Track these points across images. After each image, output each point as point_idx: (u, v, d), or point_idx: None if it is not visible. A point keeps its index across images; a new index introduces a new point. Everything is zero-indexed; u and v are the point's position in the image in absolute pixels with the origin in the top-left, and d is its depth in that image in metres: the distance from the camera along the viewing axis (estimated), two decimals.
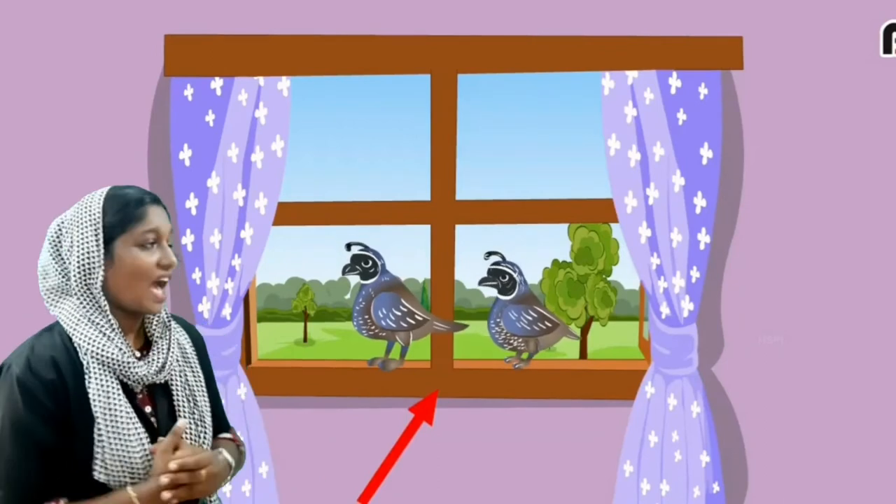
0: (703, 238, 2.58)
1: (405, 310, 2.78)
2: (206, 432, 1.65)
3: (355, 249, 2.78)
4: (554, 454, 2.72)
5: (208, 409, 1.68)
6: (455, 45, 2.59)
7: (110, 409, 1.50)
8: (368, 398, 2.75)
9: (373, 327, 2.80)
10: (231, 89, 2.57)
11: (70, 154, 2.69)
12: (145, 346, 1.63)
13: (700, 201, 2.57)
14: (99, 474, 1.49)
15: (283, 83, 2.59)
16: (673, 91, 2.54)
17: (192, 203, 2.59)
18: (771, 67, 2.60)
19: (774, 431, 2.68)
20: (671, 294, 2.58)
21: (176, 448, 1.53)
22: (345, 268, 2.80)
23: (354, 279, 2.82)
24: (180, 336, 1.70)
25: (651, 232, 2.58)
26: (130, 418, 1.51)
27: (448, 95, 2.68)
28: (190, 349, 1.70)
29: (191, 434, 1.62)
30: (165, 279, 1.57)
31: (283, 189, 2.63)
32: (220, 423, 1.80)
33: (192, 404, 1.64)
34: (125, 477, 1.50)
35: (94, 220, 1.54)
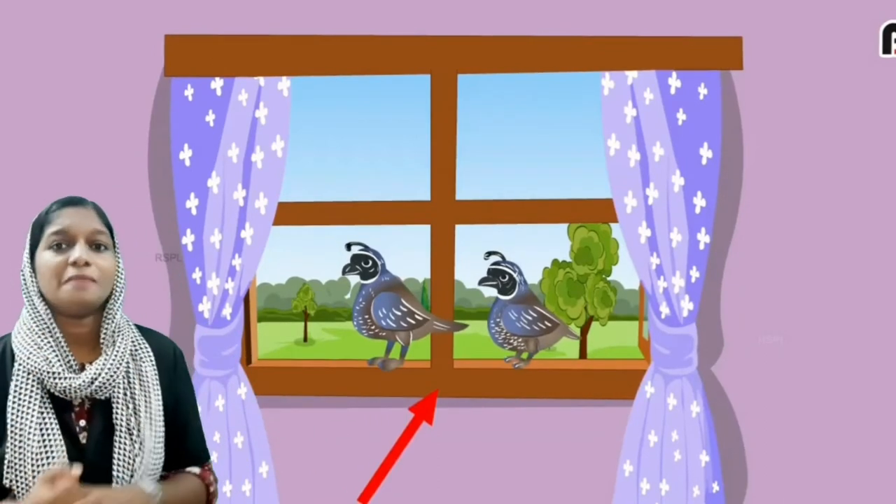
0: (703, 238, 2.58)
1: (405, 310, 2.78)
2: (142, 451, 1.57)
3: (355, 249, 2.79)
4: (554, 454, 2.72)
5: (154, 433, 1.60)
6: (455, 45, 2.60)
7: (17, 414, 1.51)
8: (368, 398, 2.75)
9: (373, 327, 2.80)
10: (231, 89, 2.57)
11: (70, 154, 2.69)
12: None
13: (700, 201, 2.58)
14: (6, 480, 1.50)
15: (284, 83, 2.59)
16: (672, 91, 2.54)
17: (192, 203, 2.59)
18: (770, 67, 2.60)
19: (774, 431, 2.68)
20: (671, 294, 2.59)
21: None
22: (345, 268, 2.81)
23: (354, 279, 2.82)
24: (142, 353, 1.64)
25: (651, 232, 2.58)
26: (44, 427, 1.51)
27: (448, 95, 2.69)
28: (151, 369, 1.63)
29: (122, 451, 1.56)
30: (81, 276, 1.53)
31: (283, 189, 2.63)
32: (193, 452, 1.72)
33: (132, 423, 1.57)
34: (23, 485, 1.50)
35: (29, 235, 1.61)
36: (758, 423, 2.69)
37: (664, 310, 2.60)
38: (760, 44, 2.59)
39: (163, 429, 1.63)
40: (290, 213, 2.73)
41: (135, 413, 1.59)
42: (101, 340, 1.59)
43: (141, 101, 2.66)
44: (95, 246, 1.57)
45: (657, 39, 2.54)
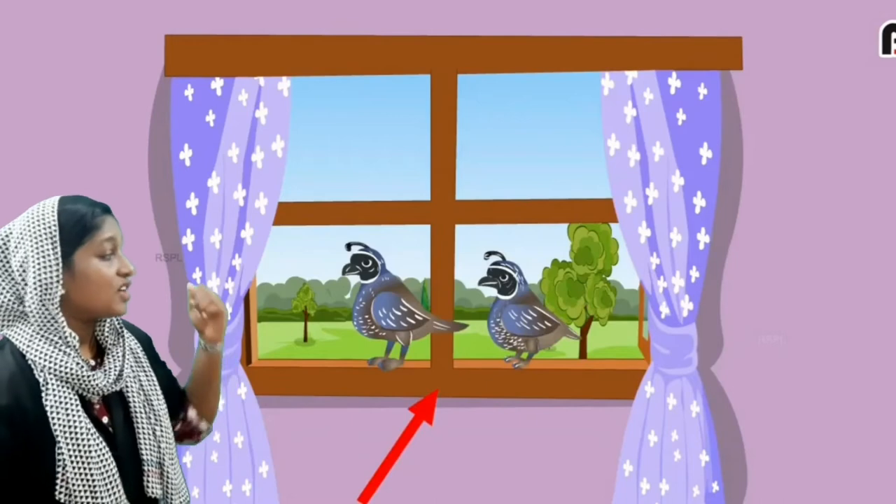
0: (703, 238, 2.59)
1: (405, 309, 2.78)
2: (163, 433, 1.63)
3: (355, 249, 2.79)
4: (554, 453, 2.72)
5: (165, 411, 1.67)
6: (455, 45, 2.60)
7: (70, 427, 1.47)
8: (368, 398, 2.75)
9: (373, 327, 2.80)
10: (231, 89, 2.58)
11: (70, 154, 2.69)
12: (98, 354, 1.62)
13: (699, 201, 2.58)
14: (60, 495, 1.46)
15: (284, 83, 2.60)
16: (672, 91, 2.54)
17: (192, 203, 2.60)
18: (770, 68, 2.60)
19: (774, 431, 2.69)
20: (671, 294, 2.59)
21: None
22: (345, 268, 2.81)
23: (354, 279, 2.82)
24: (130, 340, 1.68)
25: (651, 232, 2.58)
26: (91, 434, 1.49)
27: (448, 95, 2.69)
28: (141, 352, 1.69)
29: (147, 437, 1.60)
30: (126, 287, 1.58)
31: (283, 189, 2.63)
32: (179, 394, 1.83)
33: (148, 409, 1.63)
34: (86, 496, 1.47)
35: (51, 232, 1.51)
36: (758, 422, 2.69)
37: (664, 310, 2.60)
38: (760, 44, 2.59)
39: (164, 403, 1.68)
40: (290, 213, 2.73)
41: (146, 398, 1.64)
42: (104, 338, 1.62)
43: (141, 101, 2.66)
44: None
45: (657, 39, 2.54)
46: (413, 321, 2.78)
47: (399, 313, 2.78)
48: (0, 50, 2.68)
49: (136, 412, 1.60)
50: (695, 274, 2.59)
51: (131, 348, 1.66)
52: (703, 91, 2.55)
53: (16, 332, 1.52)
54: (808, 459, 2.69)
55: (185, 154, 2.58)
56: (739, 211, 2.65)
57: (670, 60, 2.53)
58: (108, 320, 1.62)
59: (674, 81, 2.54)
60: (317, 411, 2.74)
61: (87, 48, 2.66)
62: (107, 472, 1.50)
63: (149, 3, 2.65)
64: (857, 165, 2.62)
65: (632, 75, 2.55)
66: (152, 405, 1.64)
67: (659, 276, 2.59)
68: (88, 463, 1.48)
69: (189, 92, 2.57)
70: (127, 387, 1.60)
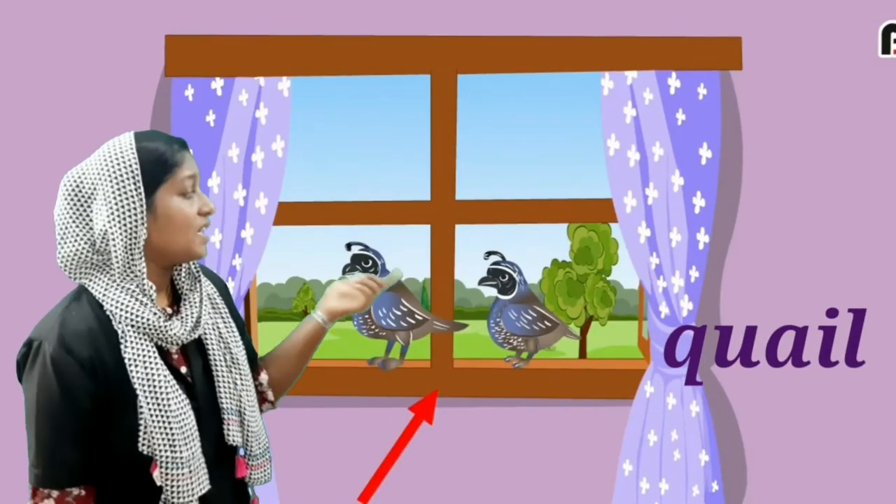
0: (703, 238, 2.59)
1: (405, 309, 2.78)
2: (243, 381, 1.57)
3: (355, 249, 2.79)
4: (554, 453, 2.72)
5: (244, 357, 1.60)
6: (455, 45, 2.60)
7: (150, 379, 1.42)
8: (368, 398, 2.75)
9: (373, 327, 2.80)
10: (232, 90, 2.58)
11: (71, 154, 2.68)
12: (174, 301, 1.55)
13: (699, 201, 2.58)
14: (143, 447, 1.42)
15: (284, 83, 2.60)
16: (672, 91, 2.55)
17: None
18: (770, 68, 2.61)
19: (773, 430, 2.69)
20: (670, 294, 2.59)
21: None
22: (345, 268, 2.81)
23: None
24: (207, 286, 1.61)
25: (650, 232, 2.59)
26: (170, 384, 1.44)
27: (448, 95, 2.69)
28: (218, 298, 1.62)
29: (227, 386, 1.55)
30: (207, 226, 1.51)
31: (283, 189, 2.64)
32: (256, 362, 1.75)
33: (228, 357, 1.56)
34: (166, 448, 1.42)
35: (132, 172, 1.43)
36: (757, 422, 2.69)
37: (664, 309, 2.60)
38: (760, 44, 2.59)
39: (244, 350, 1.63)
40: (290, 213, 2.73)
41: (226, 346, 1.57)
42: (181, 283, 1.54)
43: (141, 101, 2.66)
44: None
45: (657, 39, 2.54)
46: (413, 321, 2.78)
47: (399, 313, 2.78)
48: (0, 50, 2.68)
49: (215, 360, 1.54)
50: (694, 274, 2.59)
51: (208, 294, 1.59)
52: (702, 91, 2.55)
53: (93, 282, 1.46)
54: (808, 459, 2.69)
55: None
56: (739, 211, 2.65)
57: (670, 60, 2.53)
58: (186, 265, 1.55)
59: (673, 81, 2.54)
60: (317, 411, 2.74)
61: (87, 48, 2.66)
62: (185, 424, 1.45)
63: (149, 3, 2.65)
64: (856, 165, 2.62)
65: (631, 75, 2.55)
66: (232, 352, 1.57)
67: (658, 275, 2.59)
68: (168, 415, 1.42)
69: (189, 92, 2.57)
70: (205, 334, 1.54)
